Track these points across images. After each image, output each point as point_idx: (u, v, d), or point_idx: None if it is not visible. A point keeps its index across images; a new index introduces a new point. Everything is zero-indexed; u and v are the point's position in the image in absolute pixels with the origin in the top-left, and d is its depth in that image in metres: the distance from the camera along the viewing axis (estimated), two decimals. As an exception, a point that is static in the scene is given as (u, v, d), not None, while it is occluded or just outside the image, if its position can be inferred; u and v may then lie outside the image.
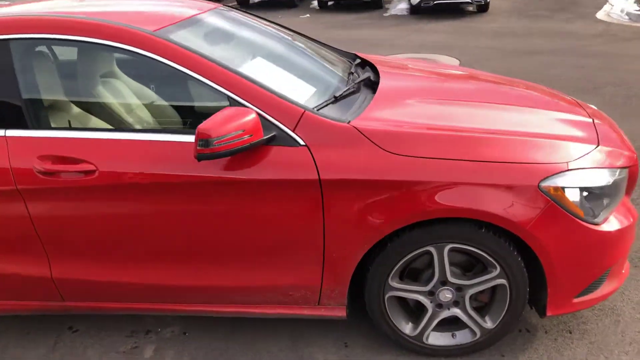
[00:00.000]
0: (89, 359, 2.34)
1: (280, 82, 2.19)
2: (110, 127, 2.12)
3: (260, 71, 2.19)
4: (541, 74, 6.73)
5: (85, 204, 2.05)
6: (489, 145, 2.01)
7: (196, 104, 2.24)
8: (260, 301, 2.21)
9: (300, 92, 2.20)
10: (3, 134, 2.05)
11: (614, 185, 2.10)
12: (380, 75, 2.65)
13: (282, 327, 2.44)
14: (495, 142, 2.03)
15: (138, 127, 2.10)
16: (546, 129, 2.18)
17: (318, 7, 13.77)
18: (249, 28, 2.80)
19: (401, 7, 13.26)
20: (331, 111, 2.11)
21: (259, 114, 1.96)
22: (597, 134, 2.24)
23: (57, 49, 2.30)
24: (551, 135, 2.12)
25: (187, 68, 1.99)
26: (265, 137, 1.93)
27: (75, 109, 2.15)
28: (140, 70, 2.16)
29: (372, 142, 1.98)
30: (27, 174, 2.02)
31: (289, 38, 2.99)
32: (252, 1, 14.72)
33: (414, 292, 2.15)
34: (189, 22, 2.37)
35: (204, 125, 1.78)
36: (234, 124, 1.82)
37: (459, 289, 2.12)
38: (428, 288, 2.13)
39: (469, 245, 2.02)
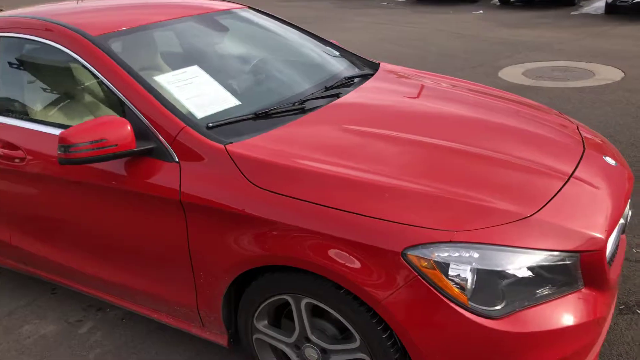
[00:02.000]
0: (41, 320, 2.66)
1: (196, 93, 2.13)
2: (44, 119, 2.33)
3: (180, 79, 2.16)
4: None
5: (20, 187, 2.32)
6: (363, 193, 1.67)
7: (105, 104, 2.31)
8: (158, 308, 2.22)
9: (215, 106, 2.10)
10: None
11: (543, 272, 1.57)
12: (351, 92, 2.38)
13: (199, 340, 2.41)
14: (376, 190, 1.67)
15: (60, 121, 2.28)
16: (469, 185, 1.71)
17: (499, 3, 12.63)
18: (236, 32, 2.77)
19: (597, 6, 11.35)
20: (230, 130, 1.98)
21: (144, 124, 1.95)
22: (550, 200, 1.68)
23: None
24: (461, 194, 1.66)
25: (99, 71, 2.07)
26: (140, 149, 1.91)
27: (23, 101, 2.42)
28: (67, 70, 2.32)
29: (238, 168, 1.80)
30: None
31: (288, 44, 2.87)
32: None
33: (279, 341, 1.92)
34: (155, 25, 2.45)
35: (66, 131, 1.84)
36: (97, 132, 1.84)
37: (324, 350, 1.82)
38: (292, 340, 1.88)
39: (325, 304, 1.72)
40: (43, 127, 2.24)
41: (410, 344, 1.59)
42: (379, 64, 2.98)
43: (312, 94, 2.35)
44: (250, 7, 3.17)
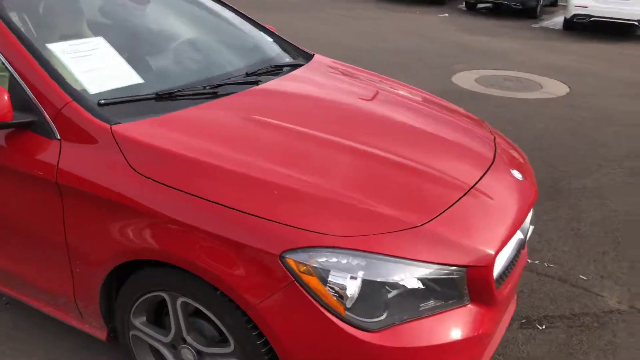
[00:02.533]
0: None
1: (95, 66, 1.96)
2: None
3: (79, 50, 1.98)
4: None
5: None
6: (250, 190, 1.56)
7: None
8: (38, 296, 2.05)
9: (114, 82, 1.94)
10: None
11: (428, 284, 1.50)
12: (272, 81, 2.27)
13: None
14: (264, 187, 1.57)
15: None
16: (364, 189, 1.63)
17: (465, 9, 12.75)
18: (160, 6, 2.61)
19: (556, 21, 11.62)
20: (125, 110, 1.82)
21: (27, 94, 1.78)
22: (445, 211, 1.62)
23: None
24: (352, 198, 1.58)
25: None
26: (18, 121, 1.73)
27: None
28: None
29: (122, 152, 1.66)
30: None
31: (217, 25, 2.73)
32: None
33: (155, 340, 1.80)
34: None
35: None
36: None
37: (199, 352, 1.72)
38: (168, 340, 1.77)
39: (200, 305, 1.61)
40: None
41: (282, 353, 1.50)
42: (314, 55, 2.88)
43: (229, 78, 2.22)
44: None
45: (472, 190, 1.75)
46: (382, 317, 1.47)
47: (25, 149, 1.76)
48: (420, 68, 7.12)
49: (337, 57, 2.99)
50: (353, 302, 1.45)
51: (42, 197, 1.75)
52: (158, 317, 1.83)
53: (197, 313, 1.69)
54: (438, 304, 1.54)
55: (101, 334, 1.93)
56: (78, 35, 2.18)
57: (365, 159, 1.79)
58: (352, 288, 1.45)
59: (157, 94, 1.94)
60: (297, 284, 1.43)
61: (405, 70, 6.89)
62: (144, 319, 1.80)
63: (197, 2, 2.85)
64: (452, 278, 1.54)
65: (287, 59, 2.68)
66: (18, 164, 1.77)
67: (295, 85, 2.36)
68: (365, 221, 1.52)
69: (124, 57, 2.08)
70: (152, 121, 1.79)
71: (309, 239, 1.45)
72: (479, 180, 1.82)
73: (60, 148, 1.72)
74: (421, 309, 1.52)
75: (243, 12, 3.04)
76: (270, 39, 2.90)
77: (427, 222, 1.56)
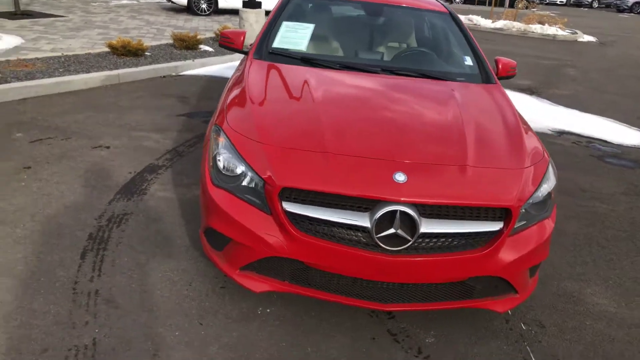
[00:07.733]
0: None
1: (290, 36, 3.47)
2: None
3: (295, 27, 3.51)
4: None
5: None
6: (248, 103, 2.77)
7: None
8: None
9: (290, 45, 3.42)
10: None
11: (251, 183, 2.39)
12: (382, 78, 3.14)
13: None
14: (252, 103, 2.75)
15: None
16: (283, 122, 2.55)
17: None
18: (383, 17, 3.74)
19: None
20: (276, 57, 3.31)
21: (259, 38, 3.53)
22: (286, 148, 2.35)
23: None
24: (274, 121, 2.55)
25: None
26: (243, 50, 3.53)
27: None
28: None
29: (243, 68, 3.20)
30: None
31: (429, 39, 3.62)
32: None
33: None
34: None
35: (222, 30, 3.63)
36: (230, 34, 3.55)
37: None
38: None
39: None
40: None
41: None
42: (494, 83, 3.25)
43: (366, 66, 3.23)
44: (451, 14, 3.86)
45: (324, 153, 2.27)
46: (225, 185, 2.43)
47: (246, 62, 3.53)
48: None
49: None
50: (221, 166, 2.47)
51: (240, 79, 3.47)
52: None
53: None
54: (251, 197, 2.34)
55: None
56: (313, 22, 3.69)
57: (316, 116, 2.59)
58: (220, 158, 2.46)
59: (301, 56, 3.27)
60: (209, 141, 2.61)
61: None
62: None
63: (431, 20, 3.71)
64: (262, 185, 2.28)
65: (450, 75, 3.27)
66: (241, 69, 3.55)
67: (390, 84, 3.08)
68: (254, 131, 2.47)
69: (312, 38, 3.48)
70: (272, 64, 3.18)
71: (226, 127, 2.56)
72: (344, 155, 2.26)
73: (245, 63, 3.40)
74: (246, 195, 2.37)
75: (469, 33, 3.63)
76: (470, 62, 3.44)
77: (266, 144, 2.35)
